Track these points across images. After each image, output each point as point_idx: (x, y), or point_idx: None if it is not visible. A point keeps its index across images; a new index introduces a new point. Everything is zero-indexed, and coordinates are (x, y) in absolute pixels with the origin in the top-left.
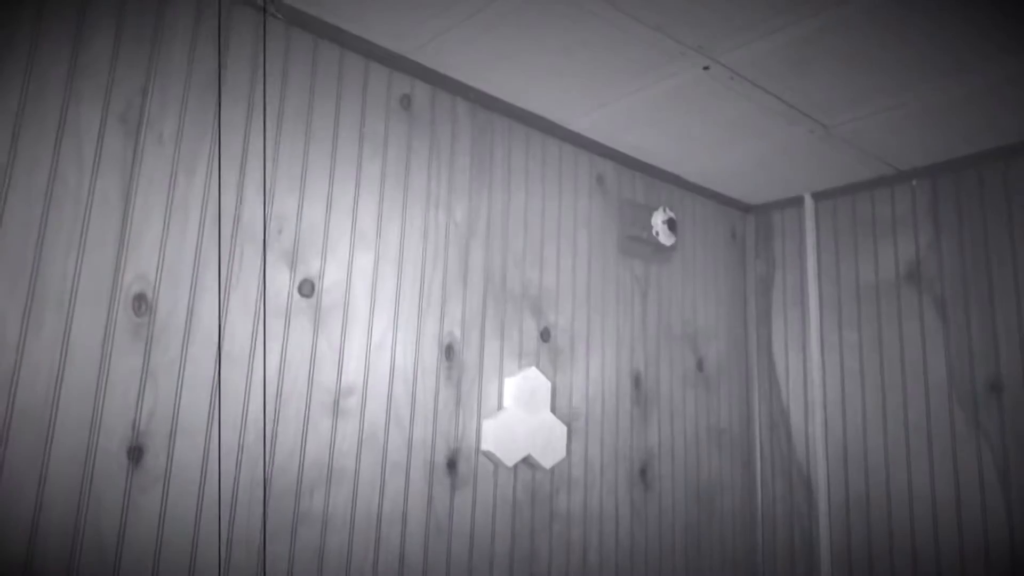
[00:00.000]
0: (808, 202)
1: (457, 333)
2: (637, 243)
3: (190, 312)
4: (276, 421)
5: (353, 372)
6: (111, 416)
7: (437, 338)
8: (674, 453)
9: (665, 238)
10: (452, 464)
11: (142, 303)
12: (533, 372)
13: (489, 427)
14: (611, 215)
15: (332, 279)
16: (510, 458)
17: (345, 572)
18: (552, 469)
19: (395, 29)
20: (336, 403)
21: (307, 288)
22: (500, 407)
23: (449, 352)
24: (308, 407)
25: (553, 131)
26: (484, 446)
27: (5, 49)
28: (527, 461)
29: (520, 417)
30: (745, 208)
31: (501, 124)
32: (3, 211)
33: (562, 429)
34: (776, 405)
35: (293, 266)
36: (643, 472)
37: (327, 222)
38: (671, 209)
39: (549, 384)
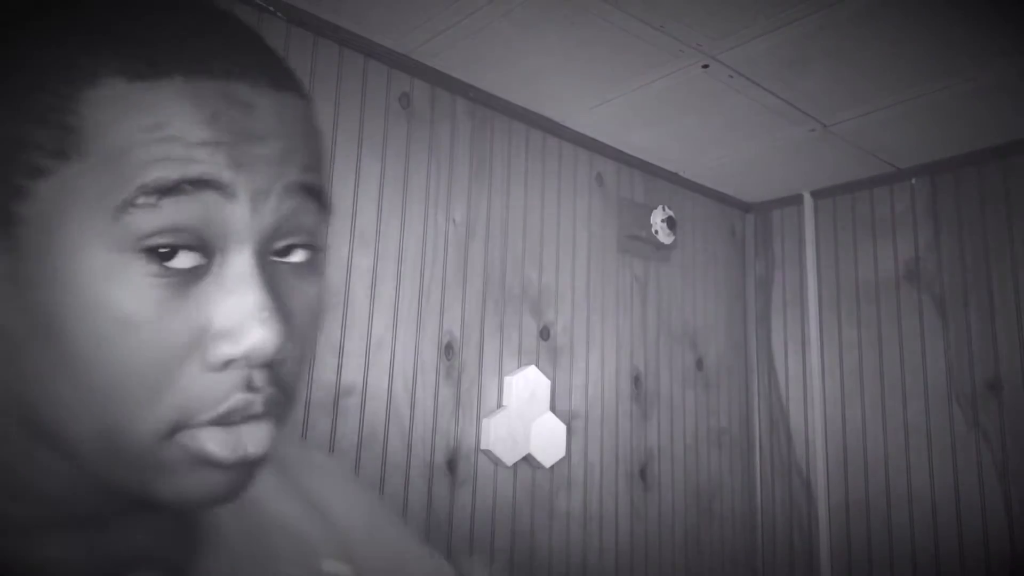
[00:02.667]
0: (807, 201)
1: (456, 332)
2: (636, 242)
3: None
4: None
5: (352, 371)
6: None
7: (436, 337)
8: (674, 453)
9: (664, 237)
10: (452, 463)
11: None
12: (533, 371)
13: (489, 426)
14: (610, 214)
15: (331, 278)
16: (510, 457)
17: None
18: (552, 469)
19: (395, 27)
20: (336, 402)
21: None
22: (500, 406)
23: (448, 351)
24: (308, 407)
25: (552, 129)
26: (484, 445)
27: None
28: (527, 460)
29: (520, 416)
30: (744, 207)
31: (501, 122)
32: None
33: (562, 428)
34: (776, 404)
35: None
36: (643, 472)
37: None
38: (670, 208)
39: (549, 383)
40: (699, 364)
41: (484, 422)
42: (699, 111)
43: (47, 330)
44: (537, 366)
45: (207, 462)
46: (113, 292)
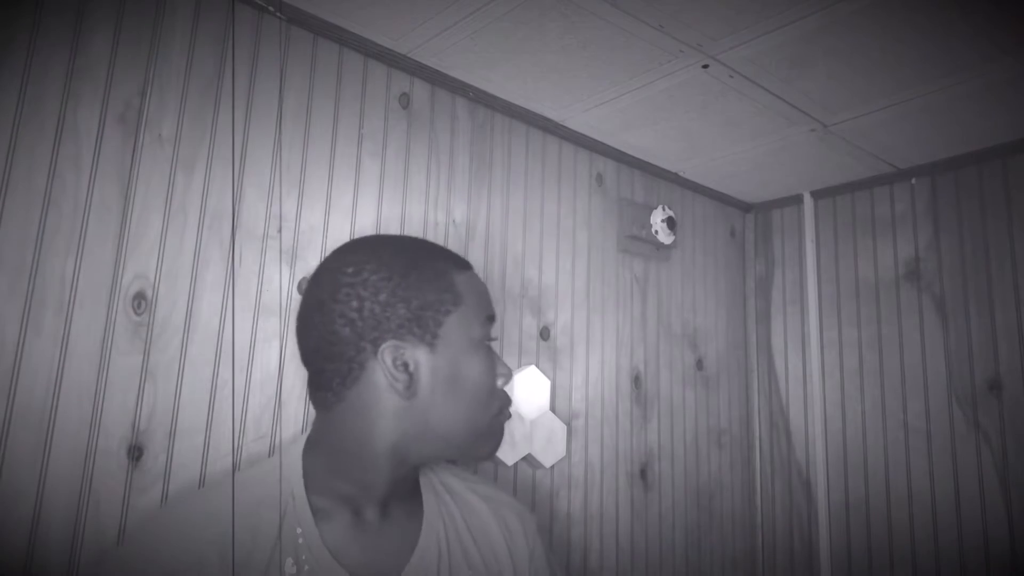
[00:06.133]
0: (807, 201)
1: None
2: (636, 242)
3: (189, 311)
4: (275, 422)
5: None
6: (111, 416)
7: None
8: (674, 453)
9: (664, 237)
10: (452, 464)
11: (141, 302)
12: (533, 371)
13: None
14: (610, 214)
15: None
16: (510, 457)
17: None
18: (552, 469)
19: (394, 27)
20: None
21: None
22: None
23: None
24: (307, 407)
25: (552, 129)
26: None
27: (3, 50)
28: (527, 460)
29: (520, 416)
30: (744, 207)
31: (501, 122)
32: (2, 211)
33: (562, 428)
34: (776, 404)
35: (292, 265)
36: (643, 472)
37: (326, 221)
38: (670, 208)
39: (549, 383)
40: (699, 364)
41: None
42: (699, 111)
43: (450, 382)
44: (537, 366)
45: (501, 433)
46: (473, 362)
